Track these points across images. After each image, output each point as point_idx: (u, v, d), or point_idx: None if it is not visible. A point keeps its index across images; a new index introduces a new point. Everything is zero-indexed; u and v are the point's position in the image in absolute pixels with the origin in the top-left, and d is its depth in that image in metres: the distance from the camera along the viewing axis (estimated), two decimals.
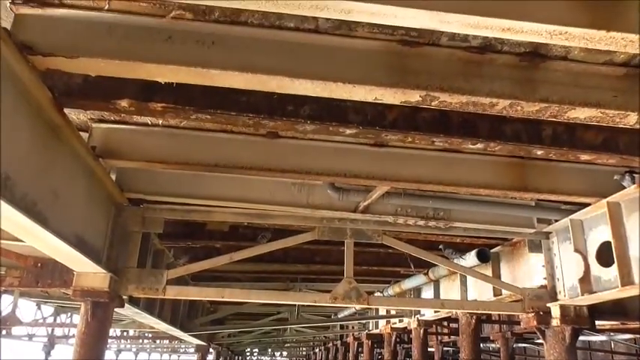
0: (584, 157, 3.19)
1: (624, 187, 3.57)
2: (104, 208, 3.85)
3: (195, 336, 9.49)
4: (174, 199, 4.20)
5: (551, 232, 4.50)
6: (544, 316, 4.40)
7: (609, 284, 3.70)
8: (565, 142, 3.13)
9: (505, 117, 2.98)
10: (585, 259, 3.97)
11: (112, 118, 3.34)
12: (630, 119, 2.60)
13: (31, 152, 2.44)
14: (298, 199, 4.31)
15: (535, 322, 4.42)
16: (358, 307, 10.12)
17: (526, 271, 5.12)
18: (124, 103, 2.54)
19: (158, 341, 19.69)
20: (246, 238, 5.62)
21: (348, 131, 2.89)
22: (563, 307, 4.29)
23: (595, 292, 3.84)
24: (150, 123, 3.40)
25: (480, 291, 5.97)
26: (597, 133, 3.15)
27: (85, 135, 3.29)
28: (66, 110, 2.67)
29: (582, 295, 3.94)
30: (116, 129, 3.41)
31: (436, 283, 7.14)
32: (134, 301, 4.84)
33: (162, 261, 5.37)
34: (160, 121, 3.36)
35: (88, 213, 3.45)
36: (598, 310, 4.46)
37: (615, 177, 3.69)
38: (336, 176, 3.73)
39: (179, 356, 31.18)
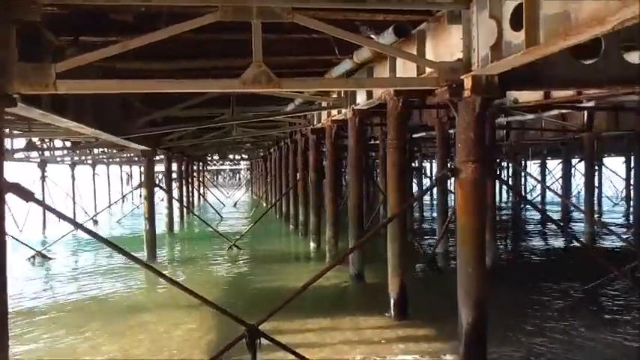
0: None
1: None
2: None
3: (134, 140, 9.45)
4: None
5: (471, 0, 4.21)
6: (457, 89, 4.39)
7: (518, 48, 3.58)
8: None
9: None
10: (499, 24, 3.78)
11: None
12: None
13: None
14: None
15: (448, 95, 4.42)
16: (285, 101, 10.05)
17: (448, 47, 4.97)
18: None
19: (99, 150, 18.30)
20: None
21: None
22: (474, 78, 4.25)
23: (504, 58, 3.75)
24: None
25: (406, 73, 5.88)
26: None
27: None
28: None
29: (492, 62, 3.86)
30: None
31: (369, 71, 7.02)
32: (33, 101, 4.50)
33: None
34: None
35: None
36: (512, 79, 4.45)
37: None
38: None
39: (131, 166, 30.42)
